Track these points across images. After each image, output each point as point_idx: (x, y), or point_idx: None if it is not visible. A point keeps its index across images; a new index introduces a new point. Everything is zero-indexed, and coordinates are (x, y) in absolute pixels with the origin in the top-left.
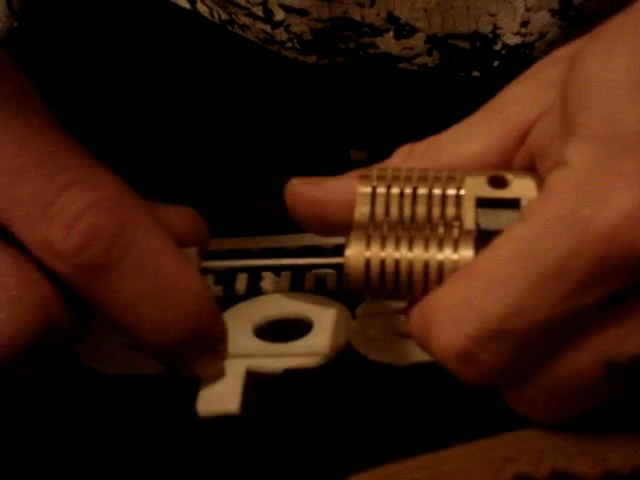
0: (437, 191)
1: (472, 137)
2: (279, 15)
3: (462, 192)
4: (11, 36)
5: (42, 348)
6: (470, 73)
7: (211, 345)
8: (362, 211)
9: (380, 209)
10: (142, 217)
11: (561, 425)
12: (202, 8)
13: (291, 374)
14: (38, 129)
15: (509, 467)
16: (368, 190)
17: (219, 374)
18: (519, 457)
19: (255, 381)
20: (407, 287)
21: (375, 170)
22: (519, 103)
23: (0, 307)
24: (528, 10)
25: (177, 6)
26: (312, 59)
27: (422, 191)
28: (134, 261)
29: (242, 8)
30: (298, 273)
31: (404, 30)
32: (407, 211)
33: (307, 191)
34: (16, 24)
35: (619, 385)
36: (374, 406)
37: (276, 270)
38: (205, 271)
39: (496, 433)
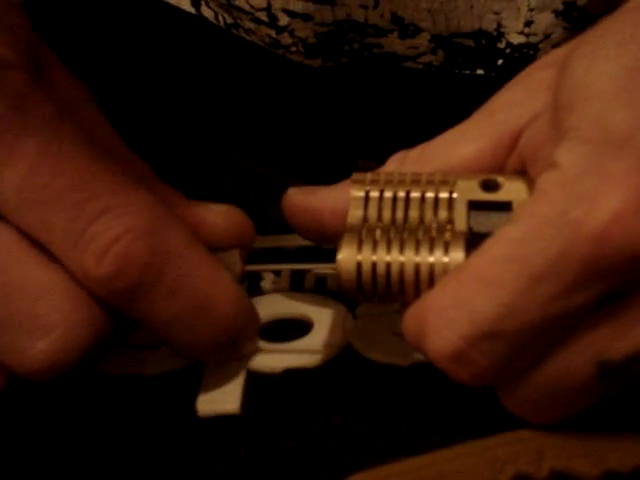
0: (430, 194)
1: (465, 142)
2: (283, 20)
3: (454, 195)
4: None
5: (93, 353)
6: (474, 71)
7: (247, 336)
8: (355, 215)
9: (373, 213)
10: (175, 240)
11: (561, 425)
12: (207, 12)
13: (291, 374)
14: (71, 155)
15: (509, 467)
16: (361, 194)
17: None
18: (519, 457)
19: (255, 381)
20: (399, 290)
21: (368, 174)
22: (510, 108)
23: (54, 325)
24: (531, 10)
25: (181, 10)
26: (317, 62)
27: (415, 194)
28: (167, 284)
29: (246, 13)
30: (298, 273)
31: (408, 30)
32: (400, 214)
33: (303, 200)
34: None
35: (612, 385)
36: (374, 406)
37: (276, 270)
38: (246, 275)
39: (496, 433)
